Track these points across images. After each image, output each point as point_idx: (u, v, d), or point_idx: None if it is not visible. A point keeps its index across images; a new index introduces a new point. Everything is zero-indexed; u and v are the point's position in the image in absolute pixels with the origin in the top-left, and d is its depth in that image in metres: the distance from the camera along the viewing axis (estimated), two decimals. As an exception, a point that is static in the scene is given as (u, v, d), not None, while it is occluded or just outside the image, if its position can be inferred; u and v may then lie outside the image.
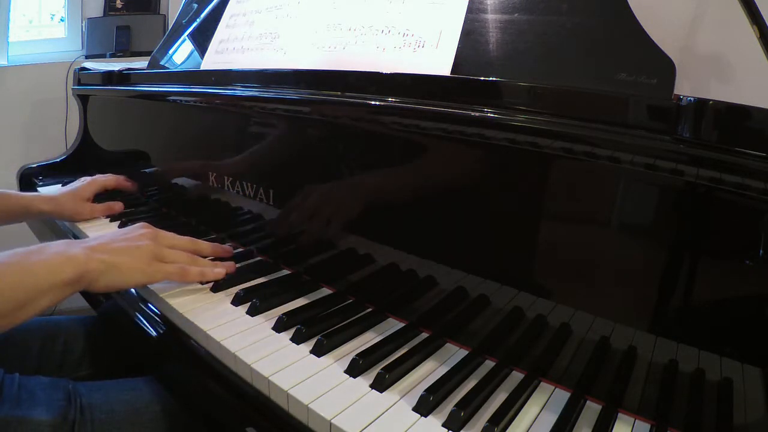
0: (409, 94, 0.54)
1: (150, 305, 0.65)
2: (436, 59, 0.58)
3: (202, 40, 0.93)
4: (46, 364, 0.73)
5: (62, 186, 0.98)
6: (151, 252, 0.61)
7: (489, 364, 0.52)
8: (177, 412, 0.61)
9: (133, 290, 0.69)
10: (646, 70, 0.45)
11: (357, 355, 0.50)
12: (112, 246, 0.60)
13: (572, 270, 0.48)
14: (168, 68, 1.01)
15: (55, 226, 0.95)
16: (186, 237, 0.68)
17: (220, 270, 0.65)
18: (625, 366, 0.45)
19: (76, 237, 0.88)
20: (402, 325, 0.59)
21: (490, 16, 0.57)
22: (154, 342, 0.62)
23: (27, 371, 0.70)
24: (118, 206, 0.93)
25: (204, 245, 0.69)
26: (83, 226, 0.88)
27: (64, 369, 0.74)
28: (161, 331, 0.61)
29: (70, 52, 2.12)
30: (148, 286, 0.65)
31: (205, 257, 0.68)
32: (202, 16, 0.98)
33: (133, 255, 0.60)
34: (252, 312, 0.59)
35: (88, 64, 1.23)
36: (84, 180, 0.94)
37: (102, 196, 0.96)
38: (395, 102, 0.55)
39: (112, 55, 2.12)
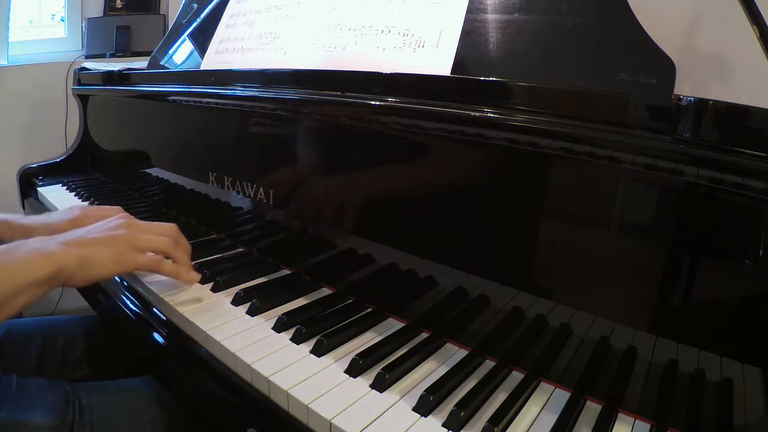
0: (409, 94, 0.54)
1: (149, 305, 0.65)
2: (436, 59, 0.58)
3: (202, 40, 0.93)
4: (46, 363, 0.73)
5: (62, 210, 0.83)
6: (125, 240, 0.60)
7: (489, 364, 0.52)
8: (177, 413, 0.61)
9: (131, 290, 0.69)
10: (646, 70, 0.45)
11: (357, 355, 0.50)
12: (86, 238, 0.58)
13: (572, 270, 0.48)
14: (168, 68, 1.01)
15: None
16: (165, 225, 0.65)
17: (195, 275, 0.63)
18: (625, 366, 0.45)
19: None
20: (402, 325, 0.59)
21: (490, 16, 0.57)
22: (153, 342, 0.62)
23: (27, 371, 0.70)
24: None
25: (182, 253, 0.64)
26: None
27: (64, 368, 0.74)
28: (161, 332, 0.61)
29: (70, 52, 2.12)
30: (149, 286, 0.65)
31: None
32: (202, 16, 0.98)
33: (106, 245, 0.58)
34: (252, 312, 0.59)
35: (88, 64, 1.23)
36: (67, 213, 0.78)
37: (100, 197, 0.95)
38: (395, 102, 0.55)
39: (112, 55, 2.12)
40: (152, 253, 0.61)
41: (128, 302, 0.68)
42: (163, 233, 0.63)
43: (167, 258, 0.62)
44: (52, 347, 0.75)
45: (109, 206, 0.82)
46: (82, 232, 0.60)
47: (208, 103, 0.81)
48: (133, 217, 0.65)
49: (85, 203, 0.90)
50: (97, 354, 0.78)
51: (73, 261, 0.55)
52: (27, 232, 0.73)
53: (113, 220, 0.63)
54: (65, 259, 0.54)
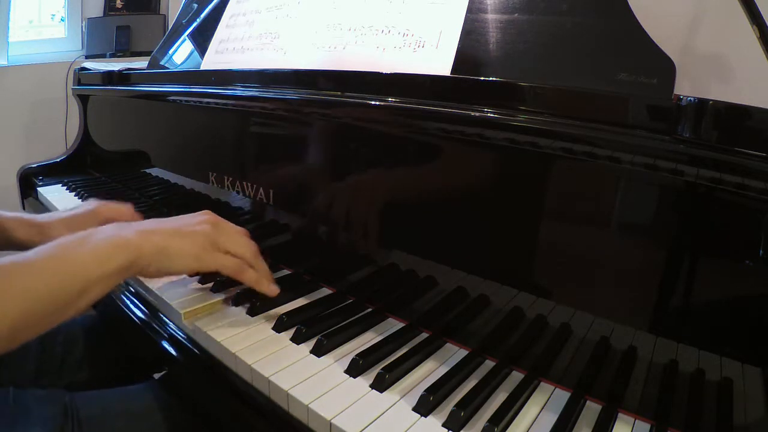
0: (409, 94, 0.54)
1: (150, 305, 0.65)
2: (437, 59, 0.58)
3: (202, 40, 0.93)
4: (46, 363, 0.73)
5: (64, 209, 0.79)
6: (208, 236, 0.56)
7: (489, 364, 0.52)
8: (178, 418, 0.60)
9: (131, 289, 0.69)
10: (646, 70, 0.45)
11: (357, 355, 0.50)
12: (165, 227, 0.55)
13: (572, 270, 0.48)
14: (168, 68, 1.01)
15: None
16: (246, 238, 0.61)
17: (275, 288, 0.60)
18: (625, 366, 0.45)
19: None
20: (402, 325, 0.59)
21: (490, 16, 0.57)
22: (153, 342, 0.62)
23: (27, 372, 0.70)
24: None
25: (262, 262, 0.61)
26: None
27: (64, 369, 0.74)
28: (160, 331, 0.61)
29: (70, 52, 2.12)
30: (149, 286, 0.65)
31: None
32: (202, 16, 0.98)
33: (187, 239, 0.55)
34: (252, 312, 0.59)
35: (88, 64, 1.23)
36: (84, 208, 0.75)
37: (100, 197, 0.94)
38: (395, 102, 0.55)
39: (112, 55, 2.12)
40: (236, 259, 0.58)
41: (128, 302, 0.68)
42: (247, 242, 0.60)
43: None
44: (52, 347, 0.75)
45: (121, 204, 0.77)
46: (159, 222, 0.57)
47: (208, 103, 0.81)
48: (219, 218, 0.61)
49: (92, 203, 0.79)
50: (97, 354, 0.77)
51: (150, 249, 0.52)
52: (43, 230, 0.70)
53: (198, 215, 0.60)
54: (142, 246, 0.51)
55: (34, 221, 0.70)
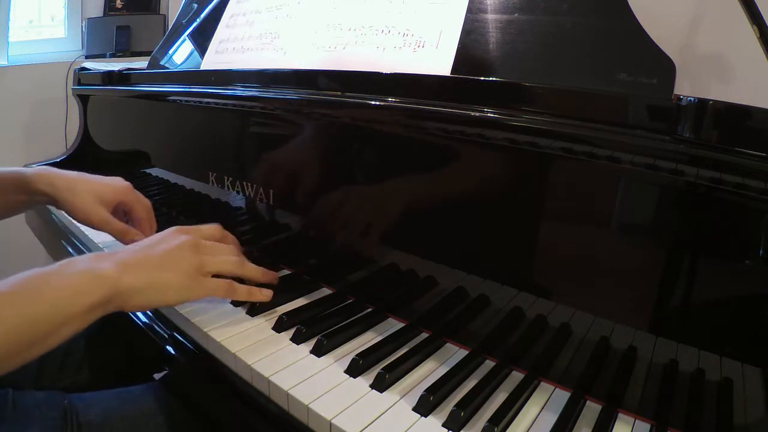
0: (409, 94, 0.54)
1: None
2: (437, 59, 0.58)
3: (202, 40, 0.93)
4: (46, 364, 0.73)
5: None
6: (194, 263, 0.54)
7: (489, 364, 0.52)
8: (178, 421, 0.60)
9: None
10: (646, 70, 0.45)
11: (357, 355, 0.50)
12: (149, 258, 0.52)
13: (572, 270, 0.48)
14: (168, 68, 1.01)
15: (55, 226, 0.95)
16: (229, 246, 0.60)
17: (267, 292, 0.60)
18: (625, 366, 0.45)
19: (77, 238, 0.88)
20: (402, 325, 0.59)
21: (491, 16, 0.57)
22: (153, 342, 0.62)
23: (27, 373, 0.70)
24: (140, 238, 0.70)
25: (251, 268, 0.60)
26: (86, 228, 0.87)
27: (65, 370, 0.74)
28: (160, 331, 0.61)
29: (70, 52, 2.12)
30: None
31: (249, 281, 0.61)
32: (202, 16, 0.98)
33: (174, 269, 0.52)
34: (252, 312, 0.59)
35: (88, 64, 1.23)
36: (115, 180, 0.74)
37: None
38: (395, 102, 0.55)
39: (112, 55, 2.12)
40: (225, 280, 0.56)
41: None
42: (231, 253, 0.58)
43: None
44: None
45: (138, 196, 0.74)
46: (140, 250, 0.54)
47: (208, 103, 0.81)
48: (195, 230, 0.59)
49: (120, 179, 0.76)
50: (97, 355, 0.77)
51: (131, 286, 0.49)
52: (71, 186, 0.69)
53: (175, 237, 0.56)
54: (121, 282, 0.48)
55: (55, 174, 0.70)
